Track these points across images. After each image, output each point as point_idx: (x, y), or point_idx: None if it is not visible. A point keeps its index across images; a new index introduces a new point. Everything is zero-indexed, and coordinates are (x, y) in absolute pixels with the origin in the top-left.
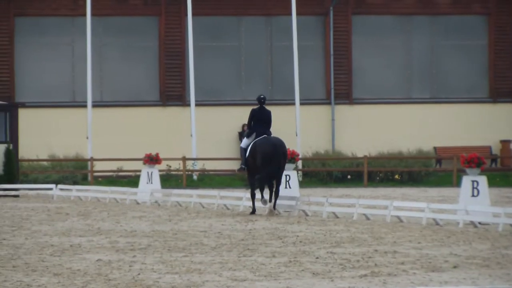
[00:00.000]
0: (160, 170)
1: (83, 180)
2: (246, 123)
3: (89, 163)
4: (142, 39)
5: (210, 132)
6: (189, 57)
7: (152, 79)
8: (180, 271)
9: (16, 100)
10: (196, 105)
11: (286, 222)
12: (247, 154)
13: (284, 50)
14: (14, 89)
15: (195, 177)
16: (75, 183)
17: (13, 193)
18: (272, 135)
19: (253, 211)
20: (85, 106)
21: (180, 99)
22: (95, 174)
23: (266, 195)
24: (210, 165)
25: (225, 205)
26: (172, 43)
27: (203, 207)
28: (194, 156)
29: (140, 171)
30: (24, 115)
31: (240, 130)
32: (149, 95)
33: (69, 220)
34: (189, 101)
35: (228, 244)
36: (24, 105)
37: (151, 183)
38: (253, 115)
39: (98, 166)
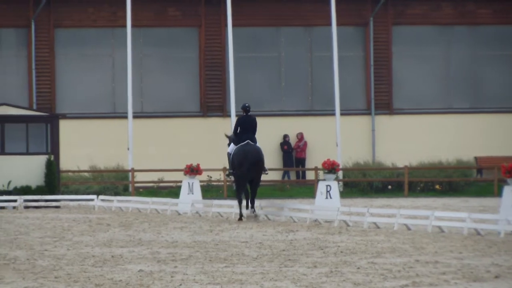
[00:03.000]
0: (201, 181)
1: (124, 191)
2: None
3: (130, 174)
4: (182, 50)
5: None
6: (229, 68)
7: (193, 90)
8: (221, 282)
9: (57, 111)
10: (237, 115)
11: (327, 232)
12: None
13: (324, 61)
14: (55, 100)
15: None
16: (116, 194)
17: (54, 204)
18: (253, 143)
19: (240, 217)
20: (125, 117)
21: (221, 110)
22: (136, 185)
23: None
24: None
25: (266, 215)
26: (212, 54)
27: (244, 217)
28: None
29: (181, 181)
30: (65, 126)
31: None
32: (190, 106)
33: (110, 231)
34: (230, 111)
35: (269, 254)
36: (64, 116)
37: (192, 193)
38: (239, 123)
39: (139, 177)
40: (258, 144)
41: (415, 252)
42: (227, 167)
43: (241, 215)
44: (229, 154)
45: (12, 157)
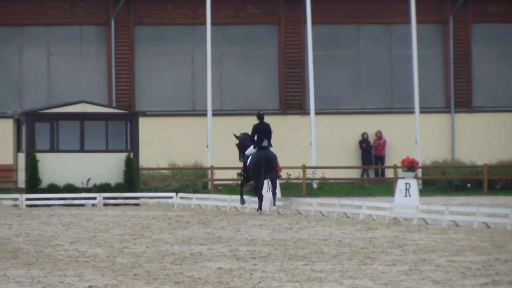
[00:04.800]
0: (280, 179)
1: (203, 189)
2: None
3: (209, 171)
4: (262, 48)
5: (329, 141)
6: (309, 66)
7: (272, 87)
8: (300, 280)
9: (136, 109)
10: (316, 113)
11: (406, 230)
12: (248, 162)
13: (404, 59)
14: (134, 98)
15: (315, 185)
16: (195, 191)
17: (133, 201)
18: (269, 148)
19: (259, 209)
20: (205, 114)
21: (300, 108)
22: (215, 182)
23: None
24: (329, 174)
25: (345, 213)
26: (292, 51)
27: (323, 215)
28: (314, 165)
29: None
30: (144, 124)
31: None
32: (269, 104)
33: (189, 228)
34: (309, 109)
35: (348, 252)
36: (144, 114)
37: (270, 191)
38: (255, 130)
39: (218, 174)
40: (279, 148)
41: (495, 250)
42: (306, 164)
43: (260, 207)
44: (246, 155)
45: (91, 155)
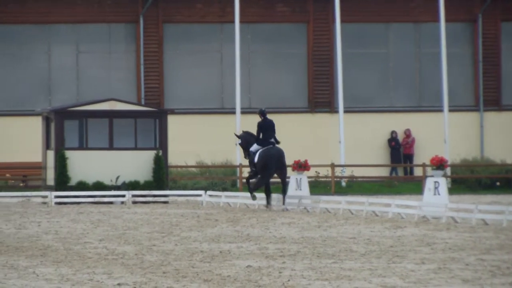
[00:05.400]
0: (308, 177)
1: (232, 186)
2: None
3: (238, 169)
4: (290, 46)
5: (358, 139)
6: (337, 64)
7: (300, 85)
8: (329, 278)
9: (165, 106)
10: (345, 111)
11: (435, 228)
12: (256, 159)
13: (432, 57)
14: (163, 95)
15: (343, 183)
16: (224, 189)
17: (162, 199)
18: (275, 145)
19: (268, 204)
20: (233, 112)
21: (328, 106)
22: (244, 180)
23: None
24: (358, 172)
25: (373, 211)
26: (320, 49)
27: (352, 213)
28: (343, 163)
29: (288, 177)
30: (173, 121)
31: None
32: (297, 102)
33: (218, 226)
34: (338, 107)
35: (377, 250)
36: (173, 112)
37: (300, 189)
38: (260, 127)
39: (247, 172)
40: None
41: None
42: (335, 163)
43: (268, 202)
44: (252, 152)
45: (120, 152)
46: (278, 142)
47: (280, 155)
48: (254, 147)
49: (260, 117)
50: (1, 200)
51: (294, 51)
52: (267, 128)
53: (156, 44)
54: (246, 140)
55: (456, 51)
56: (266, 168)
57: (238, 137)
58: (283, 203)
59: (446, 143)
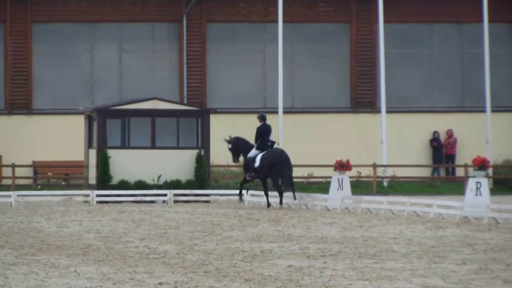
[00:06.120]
0: (350, 177)
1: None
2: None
3: None
4: (333, 46)
5: (400, 139)
6: (380, 64)
7: (343, 86)
8: (370, 278)
9: (208, 106)
10: (387, 112)
11: (477, 229)
12: (257, 164)
13: (475, 58)
14: (206, 95)
15: (385, 183)
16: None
17: (204, 198)
18: (275, 146)
19: (268, 205)
20: (276, 112)
21: (371, 106)
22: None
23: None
24: (400, 172)
25: (415, 212)
26: (363, 50)
27: (393, 213)
28: (385, 163)
29: (330, 177)
30: (215, 121)
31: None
32: (340, 102)
33: (260, 226)
34: (380, 108)
35: (418, 251)
36: (215, 111)
37: (342, 189)
38: (259, 131)
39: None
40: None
41: None
42: (376, 163)
43: (268, 203)
44: (250, 157)
45: (162, 151)
46: (274, 142)
47: (285, 154)
48: (253, 152)
49: (260, 122)
50: (43, 198)
51: (337, 51)
52: (266, 133)
53: (199, 43)
54: (236, 144)
55: (499, 51)
56: (275, 168)
57: (229, 142)
58: (294, 198)
59: (488, 143)
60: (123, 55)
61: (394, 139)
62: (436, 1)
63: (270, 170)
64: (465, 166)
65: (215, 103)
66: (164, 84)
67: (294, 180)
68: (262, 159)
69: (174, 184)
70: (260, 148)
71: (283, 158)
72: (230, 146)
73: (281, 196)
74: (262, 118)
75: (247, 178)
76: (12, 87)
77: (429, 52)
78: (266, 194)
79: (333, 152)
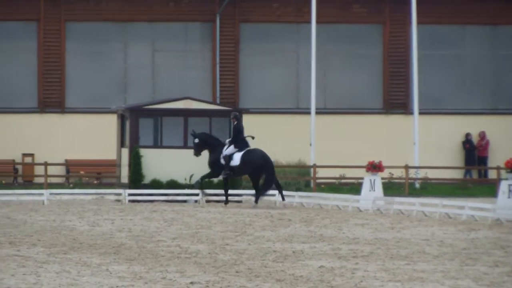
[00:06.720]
0: (382, 178)
1: (306, 187)
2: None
3: (311, 169)
4: (366, 47)
5: (433, 141)
6: (413, 65)
7: (375, 86)
8: (402, 279)
9: (240, 106)
10: (420, 113)
11: (509, 232)
12: (235, 162)
13: (509, 60)
14: (238, 95)
15: (417, 185)
16: (297, 189)
17: (236, 198)
18: (253, 148)
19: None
20: (308, 113)
21: (403, 107)
22: (318, 181)
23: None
24: (432, 174)
25: (447, 213)
26: (396, 51)
27: (426, 215)
28: (417, 165)
29: (362, 178)
30: (247, 121)
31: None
32: (372, 103)
33: (291, 226)
34: (412, 109)
35: (450, 252)
36: (248, 111)
37: (374, 190)
38: (237, 130)
39: (321, 173)
40: None
41: None
42: (408, 164)
43: (227, 200)
44: (226, 155)
45: None
46: (252, 137)
47: (268, 157)
48: (230, 149)
49: (234, 122)
50: (75, 197)
51: (369, 52)
52: (242, 131)
53: (232, 43)
54: (203, 139)
55: None
56: (258, 171)
57: (195, 136)
58: (283, 199)
59: None
60: (156, 55)
61: (427, 140)
62: (469, 2)
63: (253, 172)
64: (498, 168)
65: (248, 103)
66: (196, 83)
67: (327, 180)
68: (243, 159)
69: (206, 184)
70: (238, 146)
71: (269, 163)
72: (197, 140)
73: (258, 195)
74: (237, 118)
75: (223, 176)
76: (45, 86)
77: (462, 54)
78: (226, 192)
79: (365, 153)
